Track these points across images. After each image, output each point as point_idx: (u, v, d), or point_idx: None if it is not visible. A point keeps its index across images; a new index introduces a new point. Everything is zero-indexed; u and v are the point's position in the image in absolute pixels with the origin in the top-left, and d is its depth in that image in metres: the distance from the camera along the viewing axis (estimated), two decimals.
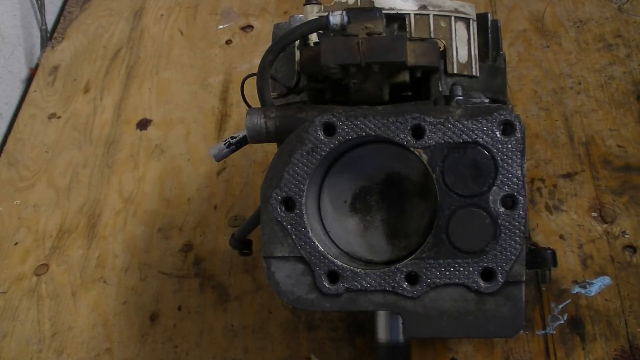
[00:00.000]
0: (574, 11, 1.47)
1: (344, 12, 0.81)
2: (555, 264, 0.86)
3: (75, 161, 1.50)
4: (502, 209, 0.74)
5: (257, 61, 0.86)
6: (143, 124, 1.53)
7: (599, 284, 1.09)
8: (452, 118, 0.75)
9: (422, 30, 0.88)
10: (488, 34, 0.95)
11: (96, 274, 1.31)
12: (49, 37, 1.79)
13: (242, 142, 0.96)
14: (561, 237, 1.16)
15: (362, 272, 0.77)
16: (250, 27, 1.67)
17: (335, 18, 0.81)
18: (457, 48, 0.90)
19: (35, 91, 1.67)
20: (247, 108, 0.87)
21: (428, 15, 0.88)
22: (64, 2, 1.88)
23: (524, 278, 0.74)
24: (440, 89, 0.88)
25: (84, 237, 1.36)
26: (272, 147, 0.90)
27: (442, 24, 0.89)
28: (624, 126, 1.27)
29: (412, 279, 0.76)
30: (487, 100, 0.87)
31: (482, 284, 0.74)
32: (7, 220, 1.43)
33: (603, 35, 1.41)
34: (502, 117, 0.74)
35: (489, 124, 0.74)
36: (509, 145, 0.74)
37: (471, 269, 0.74)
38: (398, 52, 0.80)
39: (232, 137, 0.96)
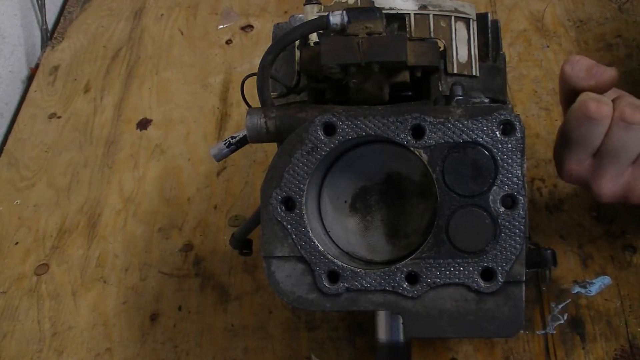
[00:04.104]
0: (574, 11, 1.47)
1: (344, 12, 0.81)
2: (555, 263, 0.86)
3: (75, 161, 1.50)
4: (502, 209, 0.74)
5: (257, 61, 0.86)
6: (143, 124, 1.53)
7: (599, 284, 1.09)
8: (452, 118, 0.75)
9: (422, 30, 0.88)
10: (488, 34, 0.95)
11: (96, 273, 1.31)
12: (49, 37, 1.79)
13: (242, 142, 0.96)
14: (561, 237, 1.15)
15: (362, 272, 0.76)
16: (250, 27, 1.67)
17: (335, 18, 0.81)
18: (457, 48, 0.89)
19: (35, 91, 1.67)
20: (247, 108, 0.87)
21: (428, 15, 0.88)
22: (64, 2, 1.87)
23: (524, 278, 0.74)
24: (440, 89, 0.88)
25: (84, 237, 1.36)
26: (272, 147, 0.89)
27: (442, 23, 0.89)
28: None
29: (412, 278, 0.76)
30: (487, 100, 0.87)
31: (482, 283, 0.74)
32: (7, 220, 1.43)
33: (603, 35, 1.41)
34: (502, 117, 0.74)
35: (489, 124, 0.74)
36: (509, 145, 0.74)
37: (471, 268, 0.74)
38: (398, 51, 0.80)
39: (232, 137, 0.96)
